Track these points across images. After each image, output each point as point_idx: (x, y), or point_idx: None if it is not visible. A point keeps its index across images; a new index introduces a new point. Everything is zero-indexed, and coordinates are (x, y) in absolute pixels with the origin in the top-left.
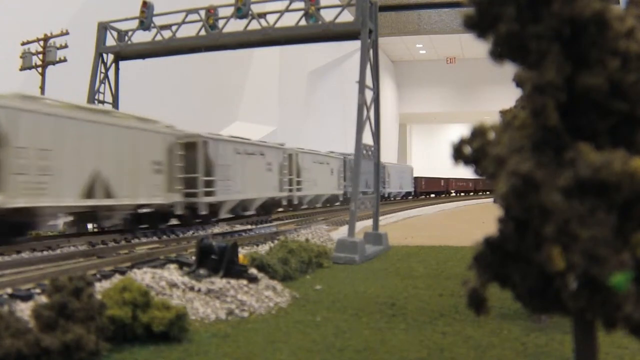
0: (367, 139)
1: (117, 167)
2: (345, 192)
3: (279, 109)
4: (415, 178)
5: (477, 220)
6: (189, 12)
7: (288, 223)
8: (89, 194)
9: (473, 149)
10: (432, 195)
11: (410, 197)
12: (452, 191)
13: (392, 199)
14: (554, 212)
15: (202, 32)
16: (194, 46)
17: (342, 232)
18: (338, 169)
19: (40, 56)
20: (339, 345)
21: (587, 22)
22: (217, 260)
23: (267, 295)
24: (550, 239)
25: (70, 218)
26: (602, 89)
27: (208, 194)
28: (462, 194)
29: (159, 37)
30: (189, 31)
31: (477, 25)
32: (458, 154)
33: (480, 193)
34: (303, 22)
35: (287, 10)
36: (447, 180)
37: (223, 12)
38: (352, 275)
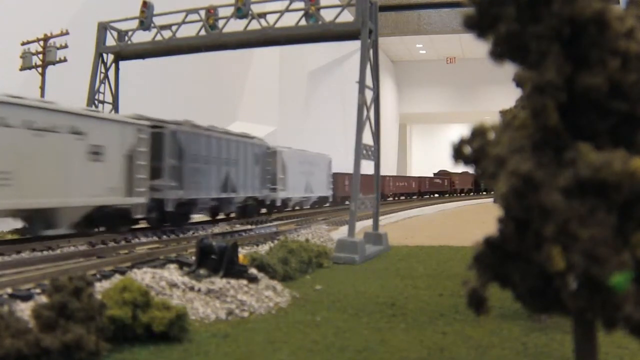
0: (367, 139)
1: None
2: (165, 200)
3: (279, 109)
4: (336, 175)
5: (477, 220)
6: (189, 12)
7: (288, 223)
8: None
9: (473, 149)
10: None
11: (326, 205)
12: (389, 195)
13: (294, 208)
14: (554, 212)
15: (202, 32)
16: (194, 46)
17: (342, 232)
18: (127, 151)
19: (40, 56)
20: (339, 345)
21: (587, 22)
22: (217, 260)
23: (267, 295)
24: (550, 239)
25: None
26: (602, 89)
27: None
28: (402, 197)
29: (159, 37)
30: (189, 31)
31: (477, 25)
32: (458, 154)
33: (427, 196)
34: (303, 22)
35: (287, 10)
36: (383, 179)
37: (223, 12)
38: (352, 275)
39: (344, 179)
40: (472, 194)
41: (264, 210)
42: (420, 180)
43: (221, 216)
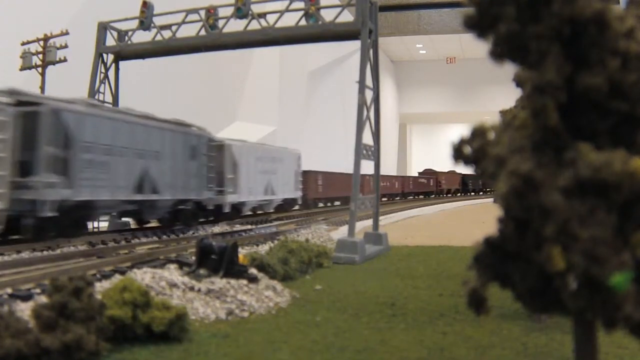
0: (367, 139)
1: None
2: (39, 202)
3: (279, 109)
4: (306, 174)
5: (477, 220)
6: (189, 12)
7: (288, 223)
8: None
9: (473, 149)
10: (329, 205)
11: (295, 209)
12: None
13: (256, 213)
14: (554, 212)
15: (202, 32)
16: (194, 46)
17: (342, 232)
18: None
19: (40, 56)
20: (339, 345)
21: (587, 22)
22: (217, 260)
23: (267, 295)
24: (550, 239)
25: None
26: (602, 89)
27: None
28: (384, 198)
29: (159, 37)
30: (189, 31)
31: (477, 25)
32: (458, 154)
33: (412, 197)
34: (303, 22)
35: (287, 10)
36: (362, 178)
37: (223, 12)
38: (352, 275)
39: (316, 177)
40: (459, 194)
41: (211, 218)
42: (404, 179)
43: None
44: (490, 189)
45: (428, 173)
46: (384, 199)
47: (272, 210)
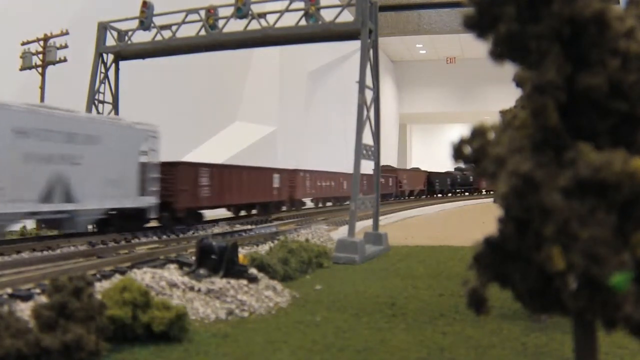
0: (367, 139)
1: None
2: None
3: (279, 109)
4: (176, 168)
5: (477, 220)
6: (189, 12)
7: (288, 223)
8: None
9: (473, 149)
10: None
11: (148, 227)
12: (299, 199)
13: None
14: (554, 212)
15: (202, 32)
16: (194, 46)
17: (342, 232)
18: None
19: (40, 56)
20: (339, 345)
21: (587, 22)
22: (217, 260)
23: (267, 295)
24: (550, 239)
25: None
26: (602, 89)
27: None
28: (329, 203)
29: (159, 37)
30: (189, 31)
31: (477, 25)
32: (458, 154)
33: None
34: (303, 22)
35: (287, 10)
36: (291, 175)
37: (223, 12)
38: (352, 275)
39: (197, 174)
40: (424, 196)
41: None
42: (349, 177)
43: None
44: (461, 190)
45: (386, 170)
46: (328, 204)
47: (85, 230)
